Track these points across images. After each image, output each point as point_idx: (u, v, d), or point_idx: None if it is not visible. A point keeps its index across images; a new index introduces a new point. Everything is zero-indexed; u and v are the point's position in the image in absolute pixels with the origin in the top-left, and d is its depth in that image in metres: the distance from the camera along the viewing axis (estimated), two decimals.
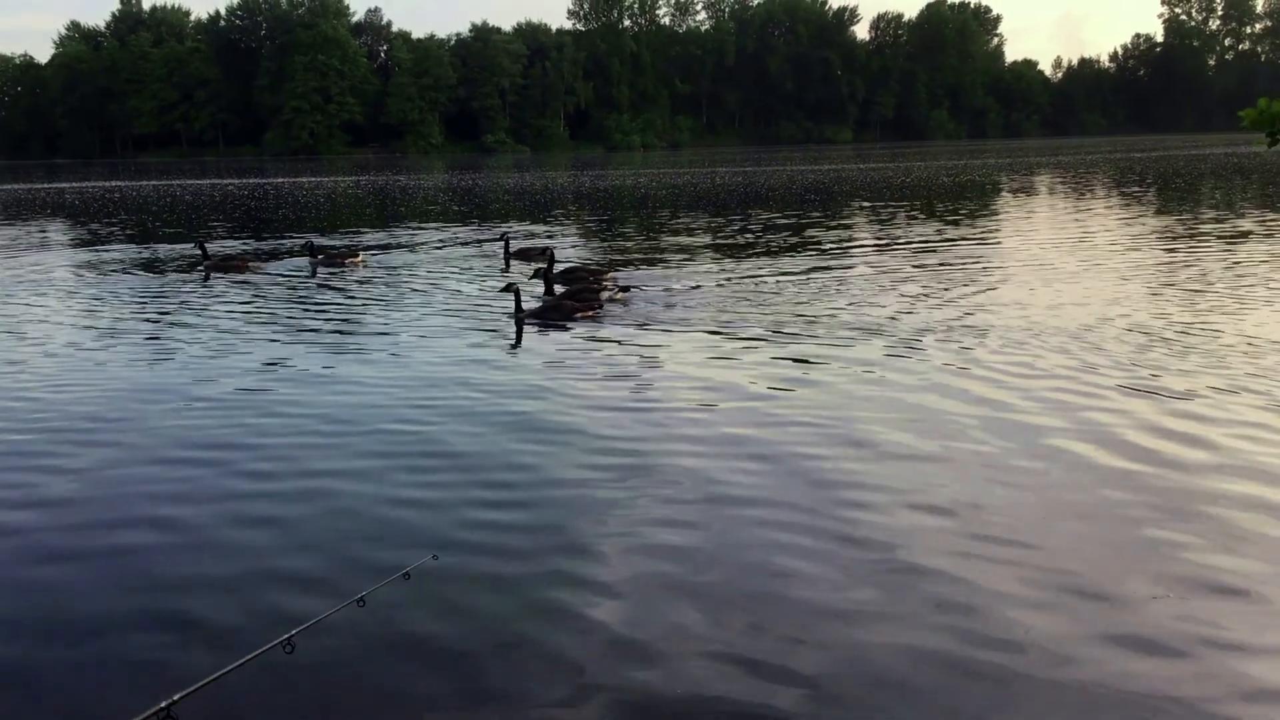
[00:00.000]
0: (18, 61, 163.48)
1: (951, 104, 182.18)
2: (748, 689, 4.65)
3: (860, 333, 12.55)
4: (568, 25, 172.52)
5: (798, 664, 4.83)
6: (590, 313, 14.20)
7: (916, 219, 29.38)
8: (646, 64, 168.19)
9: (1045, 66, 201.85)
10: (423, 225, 31.72)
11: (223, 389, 10.35)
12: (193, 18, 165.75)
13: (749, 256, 21.18)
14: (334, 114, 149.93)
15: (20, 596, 5.80)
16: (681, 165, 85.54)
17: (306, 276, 19.72)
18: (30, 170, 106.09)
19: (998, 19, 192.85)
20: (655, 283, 17.38)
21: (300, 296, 16.91)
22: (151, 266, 21.95)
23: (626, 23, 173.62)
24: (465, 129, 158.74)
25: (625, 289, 15.86)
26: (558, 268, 17.56)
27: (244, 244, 26.52)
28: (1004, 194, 41.67)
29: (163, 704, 3.77)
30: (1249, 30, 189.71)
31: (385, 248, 25.02)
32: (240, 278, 19.46)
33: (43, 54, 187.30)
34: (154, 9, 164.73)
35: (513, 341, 12.89)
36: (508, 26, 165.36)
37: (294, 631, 4.28)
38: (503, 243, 21.41)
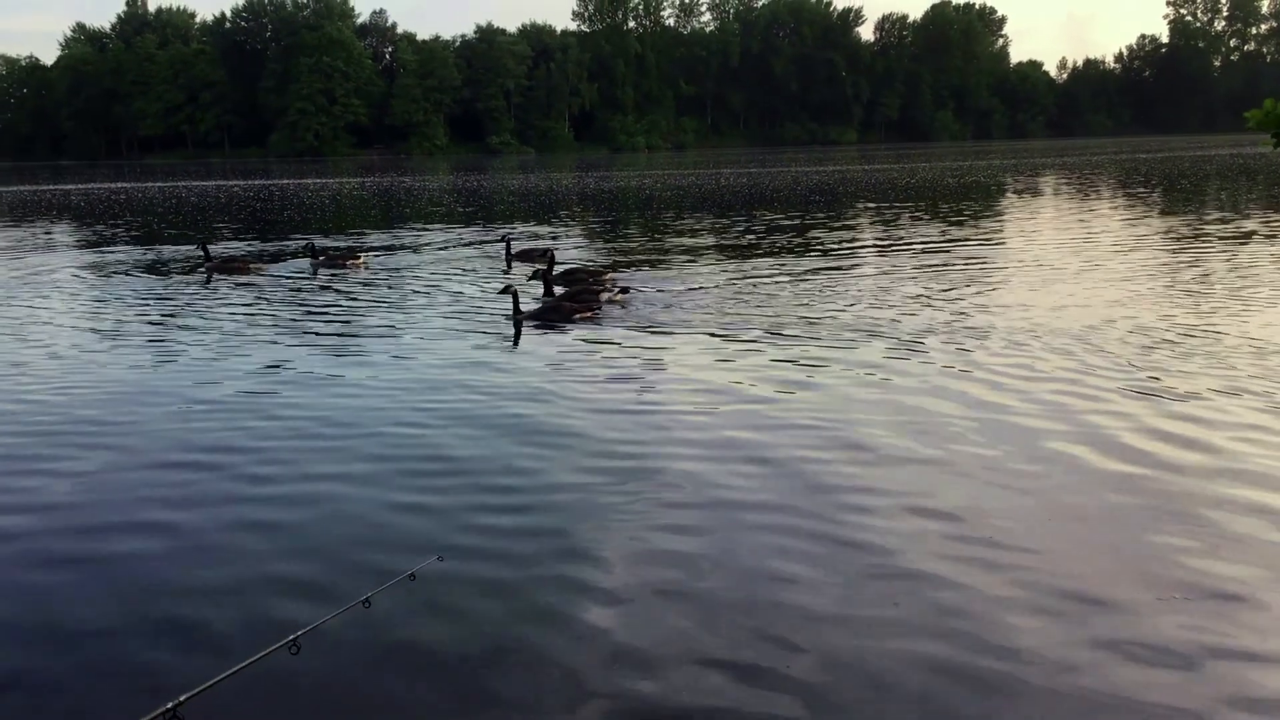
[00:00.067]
0: (23, 63, 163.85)
1: (956, 105, 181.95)
2: (748, 695, 4.64)
3: (862, 334, 12.52)
4: (572, 26, 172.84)
5: (798, 671, 4.81)
6: (589, 314, 14.19)
7: (921, 220, 29.34)
8: (651, 65, 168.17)
9: (1050, 67, 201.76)
10: (427, 227, 31.75)
11: (224, 392, 10.36)
12: (198, 20, 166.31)
13: (751, 257, 21.16)
14: (339, 116, 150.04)
15: (24, 600, 5.80)
16: (686, 166, 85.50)
17: (308, 278, 19.73)
18: (36, 172, 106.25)
19: (1003, 20, 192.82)
20: (655, 284, 17.37)
21: (301, 298, 16.93)
22: (155, 268, 21.98)
23: (631, 24, 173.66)
24: (470, 130, 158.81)
25: (624, 290, 15.83)
26: (558, 269, 17.57)
27: (249, 246, 26.56)
28: (1009, 195, 41.60)
29: (169, 705, 3.78)
30: (1254, 31, 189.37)
31: (389, 249, 25.05)
32: (242, 279, 19.50)
33: (48, 56, 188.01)
34: (159, 11, 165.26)
35: (511, 344, 12.90)
36: (512, 28, 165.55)
37: (299, 633, 4.29)
38: (504, 244, 21.46)
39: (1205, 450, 7.75)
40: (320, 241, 24.34)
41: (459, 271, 20.33)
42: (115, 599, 5.74)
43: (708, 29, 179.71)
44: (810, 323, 13.44)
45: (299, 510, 6.99)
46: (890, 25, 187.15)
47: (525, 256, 20.63)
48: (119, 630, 5.39)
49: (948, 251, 21.24)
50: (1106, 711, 4.48)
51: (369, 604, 4.74)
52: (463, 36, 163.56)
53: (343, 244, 26.04)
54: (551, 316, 14.08)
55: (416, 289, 17.78)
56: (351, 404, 9.78)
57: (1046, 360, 10.80)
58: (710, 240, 25.20)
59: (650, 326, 13.59)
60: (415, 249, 25.07)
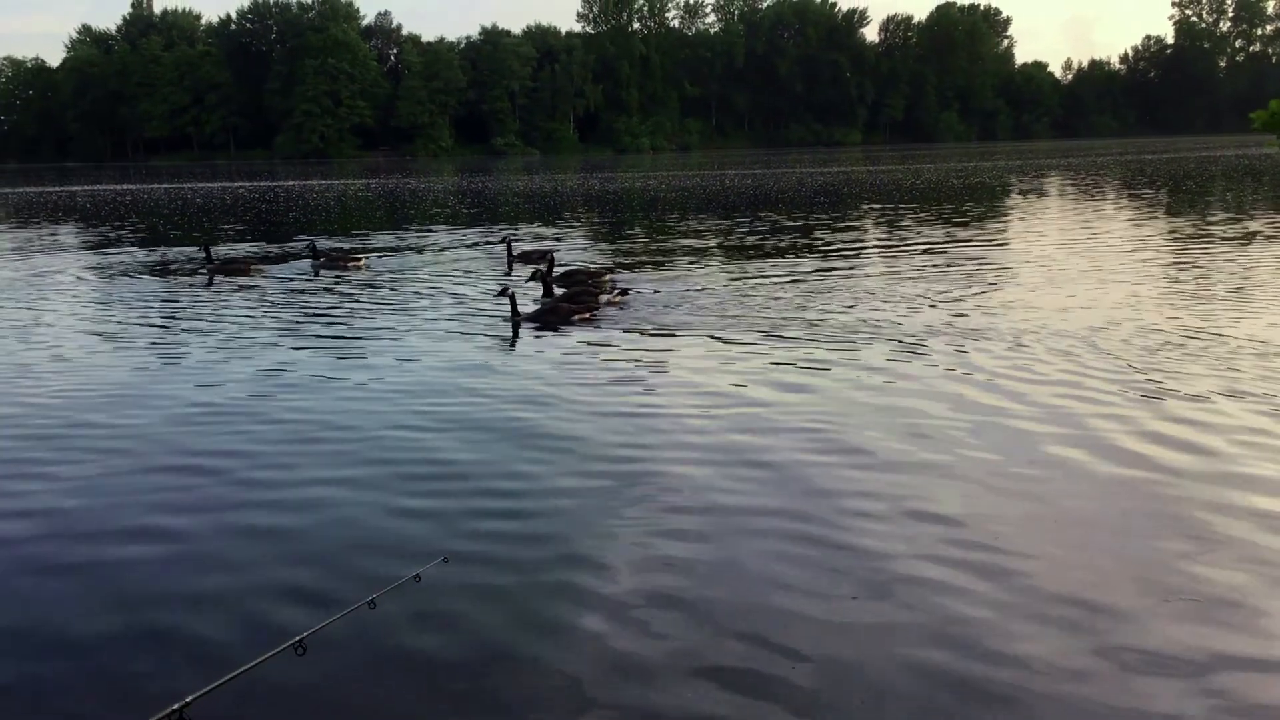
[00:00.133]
0: (29, 65, 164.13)
1: (961, 106, 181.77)
2: (749, 703, 4.62)
3: (864, 336, 12.49)
4: (577, 28, 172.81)
5: (799, 678, 4.80)
6: (587, 315, 14.16)
7: (925, 221, 29.30)
8: (655, 66, 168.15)
9: (1055, 68, 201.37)
10: (431, 228, 31.78)
11: (224, 395, 10.35)
12: (203, 21, 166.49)
13: (753, 259, 21.14)
14: (344, 117, 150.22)
15: (26, 605, 5.80)
16: (690, 168, 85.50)
17: (309, 279, 19.77)
18: (41, 173, 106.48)
19: (1008, 21, 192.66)
20: (655, 285, 17.35)
21: (302, 300, 16.95)
22: (157, 269, 22.01)
23: (636, 25, 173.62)
24: (475, 132, 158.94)
25: (624, 292, 15.79)
26: (558, 270, 17.57)
27: (254, 247, 26.59)
28: (1014, 196, 41.54)
29: (175, 706, 3.79)
30: (1260, 32, 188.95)
31: (393, 250, 25.07)
32: (243, 280, 19.53)
33: (54, 57, 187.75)
34: (165, 12, 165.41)
35: (509, 346, 12.89)
36: (517, 29, 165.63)
37: (305, 634, 4.30)
38: (505, 246, 21.49)
39: (1210, 455, 7.72)
40: (324, 243, 24.36)
41: (460, 273, 20.35)
42: (119, 604, 5.73)
43: (712, 30, 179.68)
44: (812, 324, 13.40)
45: (300, 514, 6.98)
46: (895, 26, 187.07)
47: (526, 258, 20.64)
48: (123, 635, 5.38)
49: (952, 253, 21.21)
50: None
51: (374, 605, 4.74)
52: (467, 38, 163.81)
53: (346, 245, 26.07)
54: (549, 318, 14.06)
55: (417, 290, 17.79)
56: (351, 407, 9.77)
57: (1050, 363, 10.77)
58: (713, 241, 25.19)
59: (649, 328, 13.56)
60: (419, 250, 25.09)
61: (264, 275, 20.34)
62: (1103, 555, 6.06)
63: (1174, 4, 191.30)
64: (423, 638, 5.26)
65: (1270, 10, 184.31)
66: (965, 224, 28.26)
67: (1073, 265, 18.85)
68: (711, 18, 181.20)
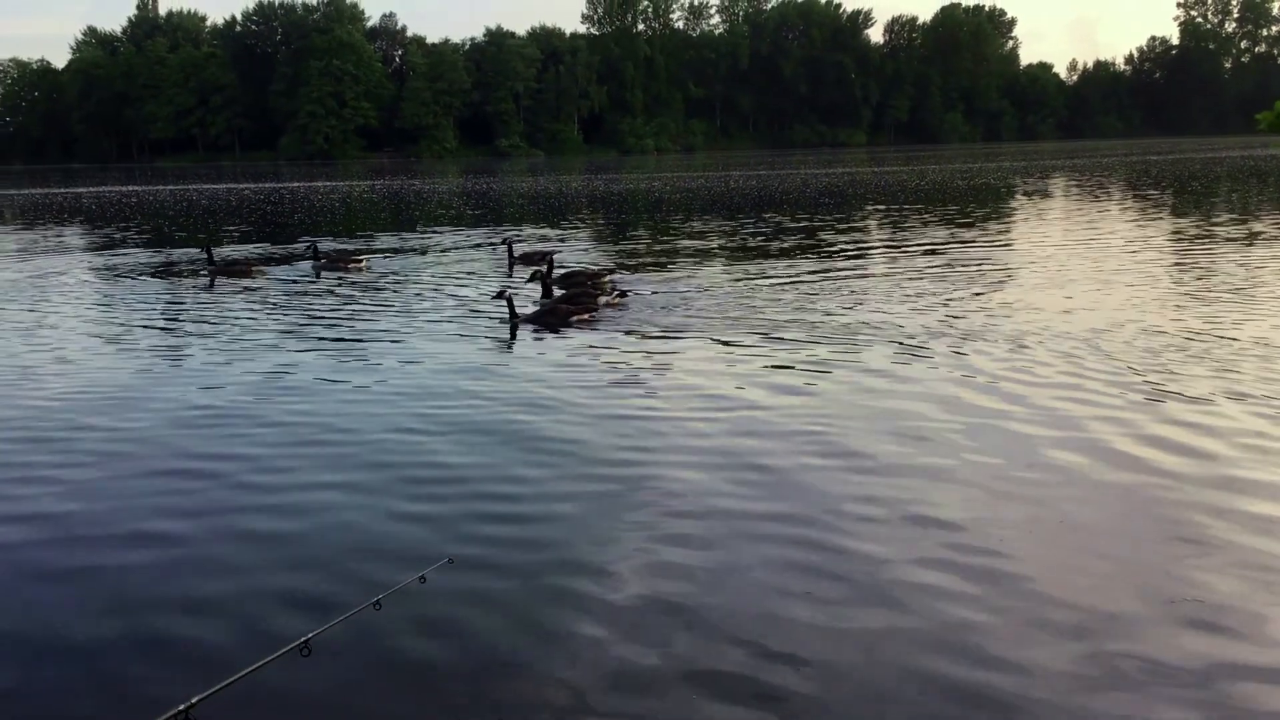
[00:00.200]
0: (35, 67, 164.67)
1: (966, 107, 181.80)
2: (749, 710, 4.61)
3: (865, 339, 12.43)
4: (581, 29, 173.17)
5: (800, 686, 4.77)
6: (586, 317, 14.14)
7: (930, 223, 29.26)
8: (660, 68, 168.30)
9: (1060, 69, 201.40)
10: (435, 229, 31.81)
11: (224, 398, 10.33)
12: (208, 23, 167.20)
13: (755, 260, 21.11)
14: (349, 119, 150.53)
15: (30, 607, 5.80)
16: (695, 169, 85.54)
17: (310, 280, 19.81)
18: (47, 175, 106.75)
19: (1012, 21, 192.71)
20: (655, 286, 17.33)
21: (303, 302, 16.96)
22: (160, 271, 22.04)
23: (640, 26, 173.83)
24: (479, 133, 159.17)
25: (622, 294, 15.77)
26: (558, 271, 17.56)
27: (258, 248, 26.64)
28: (1019, 197, 41.50)
29: (180, 707, 3.80)
30: (1265, 33, 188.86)
31: (396, 252, 25.10)
32: (245, 282, 19.57)
33: (59, 59, 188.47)
34: (170, 14, 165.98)
35: (506, 348, 12.88)
36: (522, 31, 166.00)
37: (311, 635, 4.30)
38: (506, 247, 21.50)
39: (1214, 459, 7.66)
40: (329, 244, 24.39)
41: (460, 274, 20.36)
42: (122, 608, 5.72)
43: (716, 31, 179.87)
44: (814, 326, 13.34)
45: (303, 518, 6.96)
46: (900, 27, 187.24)
47: (528, 259, 20.65)
48: (126, 639, 5.37)
49: (955, 254, 21.17)
50: None
51: (379, 606, 4.75)
52: (472, 39, 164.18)
53: (350, 247, 26.11)
54: (547, 319, 14.03)
55: (418, 292, 17.80)
56: (351, 410, 9.75)
57: (1054, 366, 10.71)
58: (715, 243, 25.17)
59: (647, 330, 13.52)
60: (422, 251, 25.12)
61: (265, 277, 20.36)
62: (1105, 561, 6.02)
63: (1179, 5, 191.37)
64: (428, 638, 5.26)
65: (1276, 11, 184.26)
66: (969, 225, 28.22)
67: (1076, 267, 18.81)
68: (716, 19, 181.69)
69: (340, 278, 19.93)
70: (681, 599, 5.62)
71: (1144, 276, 17.26)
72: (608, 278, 17.04)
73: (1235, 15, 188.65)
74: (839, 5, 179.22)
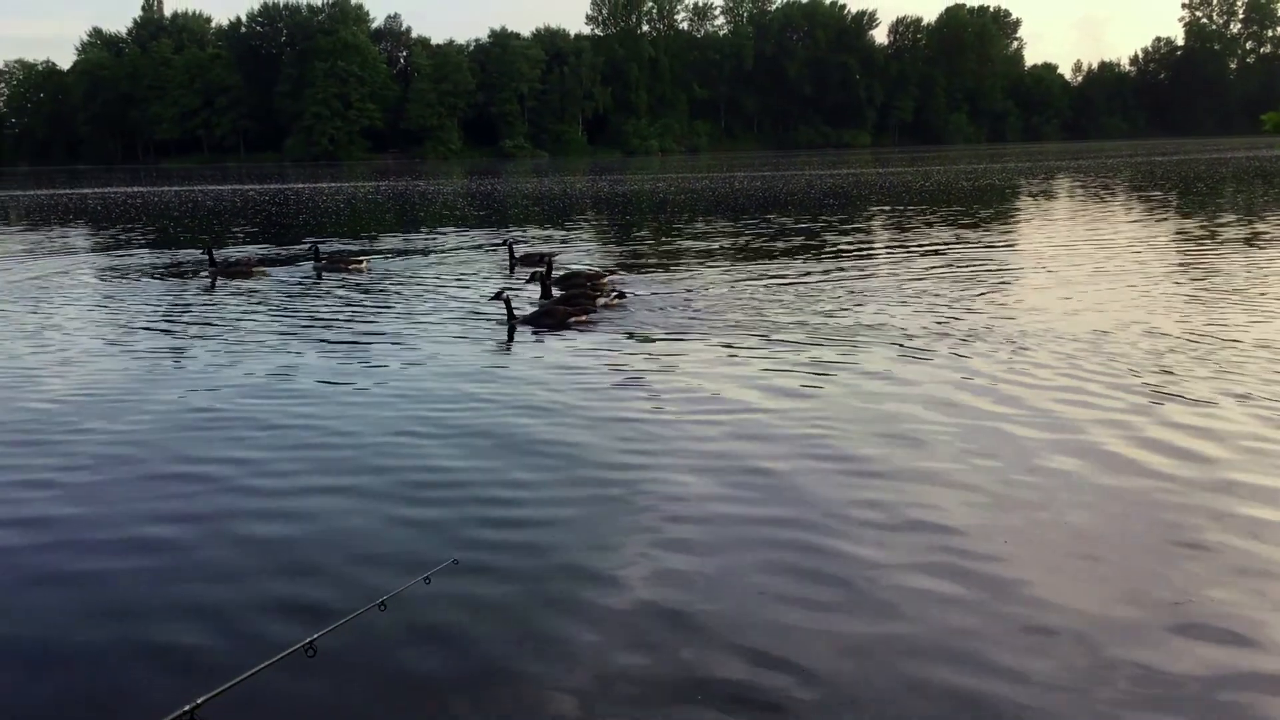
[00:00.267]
0: (40, 68, 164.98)
1: (970, 108, 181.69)
2: (750, 716, 4.60)
3: (867, 341, 12.38)
4: (586, 31, 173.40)
5: (801, 694, 4.75)
6: (584, 318, 14.13)
7: (934, 224, 29.20)
8: (664, 69, 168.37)
9: (1065, 70, 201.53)
10: (440, 230, 31.84)
11: (224, 400, 10.32)
12: (214, 24, 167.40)
13: (756, 261, 21.07)
14: (354, 120, 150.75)
15: (31, 612, 5.79)
16: (699, 170, 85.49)
17: (311, 281, 19.84)
18: (53, 176, 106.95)
19: (1017, 22, 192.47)
20: (655, 288, 17.31)
21: (303, 304, 16.96)
22: (162, 272, 22.07)
23: (645, 28, 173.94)
24: (484, 134, 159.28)
25: (621, 295, 15.75)
26: (558, 272, 17.57)
27: (263, 249, 26.67)
28: (1023, 198, 41.44)
29: (186, 708, 3.81)
30: (1270, 33, 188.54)
31: (400, 253, 25.12)
32: (245, 283, 19.60)
33: (65, 60, 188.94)
34: (175, 15, 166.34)
35: (504, 349, 12.88)
36: (526, 32, 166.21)
37: (316, 635, 4.30)
38: (506, 248, 21.53)
39: (1218, 464, 7.61)
40: (334, 245, 24.42)
41: (461, 275, 20.36)
42: (124, 613, 5.70)
43: (721, 32, 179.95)
44: (815, 328, 13.29)
45: (304, 522, 6.95)
46: (904, 28, 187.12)
47: (529, 260, 20.67)
48: (128, 644, 5.36)
49: (959, 255, 21.12)
50: None
51: (384, 607, 4.76)
52: (477, 40, 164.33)
53: (353, 247, 26.14)
54: (545, 321, 14.01)
55: (418, 293, 17.79)
56: (351, 413, 9.74)
57: (1056, 368, 10.65)
58: (718, 244, 25.14)
59: (646, 332, 13.48)
60: (424, 252, 25.14)
61: (266, 277, 20.39)
62: (1106, 566, 5.99)
63: (1184, 5, 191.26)
64: (432, 639, 5.26)
65: None
66: (973, 226, 28.17)
67: (1080, 268, 18.75)
68: (720, 20, 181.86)
69: (342, 279, 19.96)
70: (682, 605, 5.59)
71: (1148, 278, 17.19)
72: (607, 279, 17.04)
73: (1240, 16, 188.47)
74: (843, 6, 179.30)
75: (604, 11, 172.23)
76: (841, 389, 10.13)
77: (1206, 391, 9.50)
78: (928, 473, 7.58)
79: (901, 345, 12.04)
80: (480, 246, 26.19)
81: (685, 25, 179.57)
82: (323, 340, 13.63)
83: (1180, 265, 18.94)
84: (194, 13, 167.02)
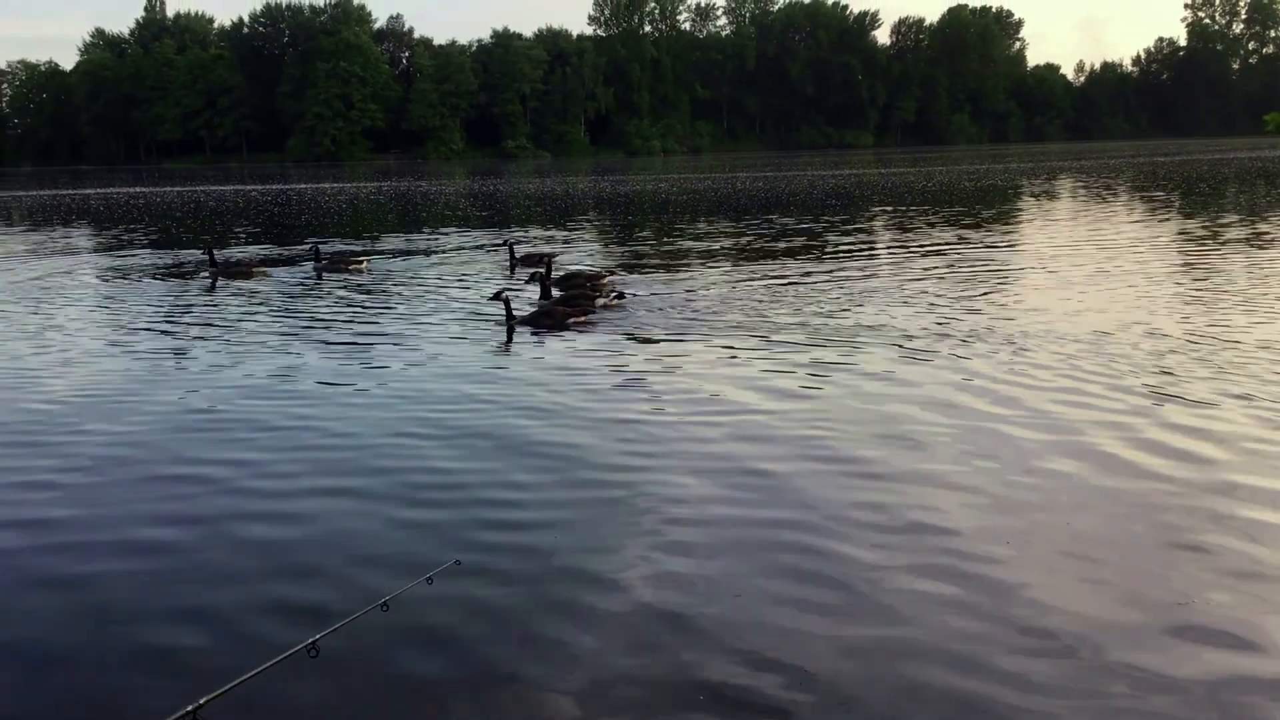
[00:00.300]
0: (43, 69, 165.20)
1: (973, 108, 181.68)
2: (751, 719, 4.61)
3: (868, 342, 12.36)
4: (588, 31, 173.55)
5: (801, 697, 4.74)
6: (583, 319, 14.12)
7: (936, 224, 29.18)
8: (667, 69, 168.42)
9: (1068, 70, 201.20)
10: (441, 231, 31.84)
11: (224, 401, 10.32)
12: (216, 25, 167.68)
13: (757, 262, 21.05)
14: (356, 120, 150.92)
15: (31, 615, 5.79)
16: (702, 171, 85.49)
17: (311, 282, 19.85)
18: (55, 176, 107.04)
19: (1019, 23, 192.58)
20: (655, 288, 17.29)
21: (303, 304, 16.96)
22: (163, 273, 22.07)
23: (647, 28, 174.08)
24: (486, 135, 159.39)
25: (621, 295, 15.73)
26: (558, 272, 17.57)
27: (265, 249, 26.69)
28: (1025, 199, 41.41)
29: (189, 708, 3.82)
30: (1273, 34, 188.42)
31: (401, 253, 25.13)
32: (246, 283, 19.61)
33: (68, 61, 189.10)
34: (178, 16, 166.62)
35: (503, 350, 12.87)
36: (529, 32, 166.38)
37: (318, 636, 4.30)
38: (507, 248, 21.55)
39: (1219, 466, 7.60)
40: (337, 245, 24.43)
41: (462, 276, 20.36)
42: (124, 615, 5.70)
43: (723, 33, 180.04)
44: (816, 329, 13.26)
45: (305, 523, 6.95)
46: (906, 28, 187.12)
47: (529, 260, 20.68)
48: (129, 647, 5.36)
49: (961, 257, 21.09)
50: None
51: (387, 608, 4.76)
52: (479, 41, 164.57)
53: (355, 248, 26.16)
54: (544, 321, 14.00)
55: (418, 293, 17.80)
56: (351, 414, 9.73)
57: (1057, 369, 10.63)
58: (719, 245, 25.12)
59: (646, 333, 13.46)
60: (426, 253, 25.15)
61: (267, 278, 20.40)
62: (1107, 570, 5.97)
63: (1186, 6, 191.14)
64: (434, 640, 5.26)
65: None
66: (976, 227, 28.15)
67: (1082, 269, 18.71)
68: (723, 20, 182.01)
69: (343, 279, 19.97)
70: (683, 607, 5.58)
71: (1149, 279, 17.16)
72: (606, 279, 17.03)
73: (1243, 16, 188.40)
74: (845, 6, 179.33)
75: (606, 12, 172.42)
76: (842, 390, 10.10)
77: (1208, 393, 9.47)
78: (928, 474, 7.56)
79: (902, 346, 12.02)
80: (481, 247, 26.20)
81: (687, 26, 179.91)
82: (323, 341, 13.63)
83: (1182, 266, 18.91)
84: (196, 13, 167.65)
